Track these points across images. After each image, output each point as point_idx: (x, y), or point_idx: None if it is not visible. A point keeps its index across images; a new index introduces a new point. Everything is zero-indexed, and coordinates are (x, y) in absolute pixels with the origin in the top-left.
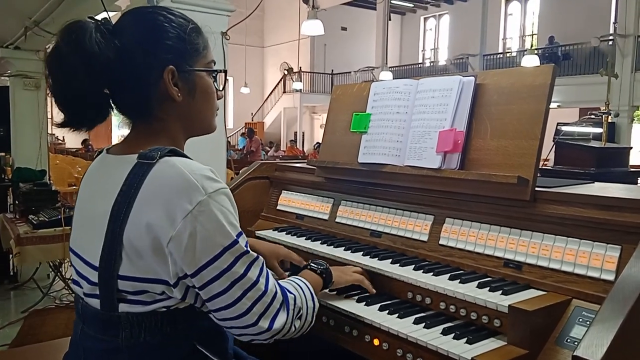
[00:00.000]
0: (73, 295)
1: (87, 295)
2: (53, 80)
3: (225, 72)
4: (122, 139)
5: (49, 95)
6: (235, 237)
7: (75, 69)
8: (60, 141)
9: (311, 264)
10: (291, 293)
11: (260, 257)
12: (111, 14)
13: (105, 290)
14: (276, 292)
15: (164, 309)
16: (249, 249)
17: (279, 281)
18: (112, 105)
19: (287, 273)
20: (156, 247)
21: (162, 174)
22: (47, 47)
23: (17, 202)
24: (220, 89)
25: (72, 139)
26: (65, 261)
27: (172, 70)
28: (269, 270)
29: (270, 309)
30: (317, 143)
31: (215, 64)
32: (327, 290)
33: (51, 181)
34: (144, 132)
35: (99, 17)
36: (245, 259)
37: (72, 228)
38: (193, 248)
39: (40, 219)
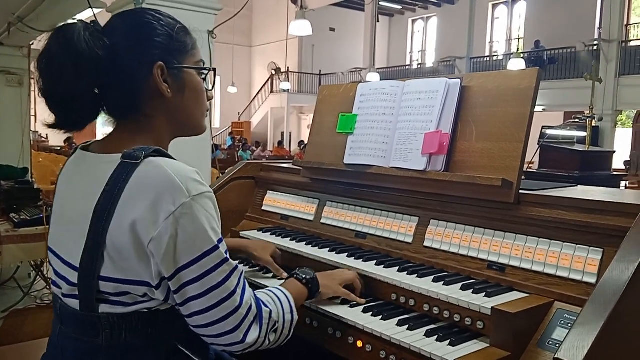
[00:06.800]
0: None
1: (66, 295)
2: (43, 81)
3: (214, 70)
4: (104, 136)
5: (33, 91)
6: (216, 243)
7: (64, 68)
8: (43, 139)
9: (297, 272)
10: (267, 307)
11: (239, 266)
12: (96, 11)
13: (85, 291)
14: (251, 306)
15: (145, 310)
16: (228, 256)
17: (256, 292)
18: (102, 105)
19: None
20: (138, 247)
21: (147, 174)
22: (31, 43)
23: None
24: (210, 88)
25: (56, 137)
26: (47, 260)
27: (161, 66)
28: (246, 280)
29: (244, 323)
30: (301, 141)
31: (204, 63)
32: None
33: (34, 179)
34: (128, 129)
35: (87, 20)
36: (225, 267)
37: (50, 226)
38: (173, 250)
39: (21, 217)
